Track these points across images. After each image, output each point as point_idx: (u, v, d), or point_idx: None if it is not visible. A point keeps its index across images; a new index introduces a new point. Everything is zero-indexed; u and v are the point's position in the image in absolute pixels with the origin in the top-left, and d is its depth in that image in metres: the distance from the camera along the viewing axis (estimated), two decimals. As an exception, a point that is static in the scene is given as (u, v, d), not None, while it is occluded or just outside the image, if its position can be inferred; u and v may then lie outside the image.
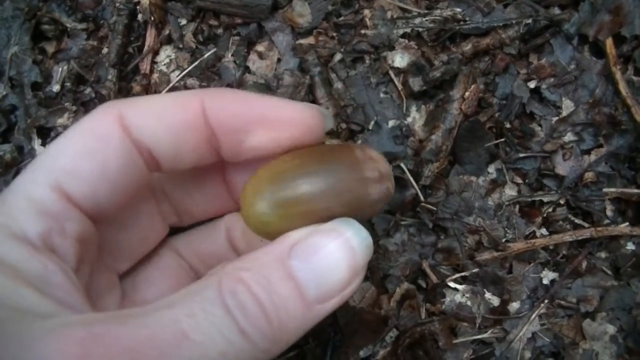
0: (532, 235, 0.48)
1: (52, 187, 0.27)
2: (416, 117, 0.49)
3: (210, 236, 0.38)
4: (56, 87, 0.50)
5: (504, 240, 0.48)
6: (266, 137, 0.30)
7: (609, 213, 0.48)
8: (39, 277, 0.25)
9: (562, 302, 0.47)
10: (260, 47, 0.49)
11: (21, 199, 0.27)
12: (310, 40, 0.49)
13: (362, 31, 0.49)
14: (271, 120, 0.30)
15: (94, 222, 0.29)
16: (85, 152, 0.28)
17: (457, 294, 0.48)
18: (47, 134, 0.50)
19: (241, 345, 0.23)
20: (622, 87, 0.47)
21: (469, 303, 0.48)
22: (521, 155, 0.48)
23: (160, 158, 0.30)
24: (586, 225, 0.48)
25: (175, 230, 0.38)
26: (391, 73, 0.49)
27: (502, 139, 0.48)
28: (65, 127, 0.49)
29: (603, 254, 0.48)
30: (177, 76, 0.49)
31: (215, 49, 0.49)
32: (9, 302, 0.23)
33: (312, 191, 0.28)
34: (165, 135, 0.29)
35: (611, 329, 0.47)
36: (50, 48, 0.51)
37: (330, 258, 0.26)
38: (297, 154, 0.30)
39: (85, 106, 0.50)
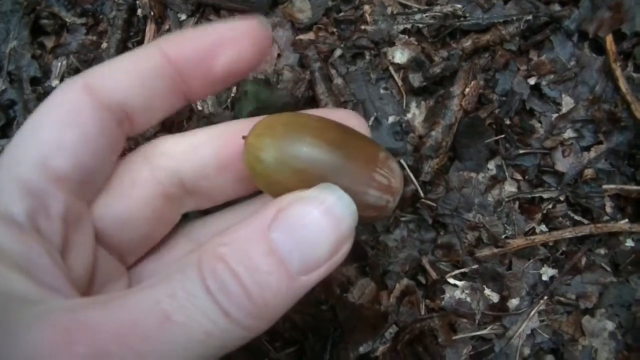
0: (532, 231, 0.48)
1: (36, 164, 0.27)
2: (416, 113, 0.49)
3: (230, 220, 0.36)
4: (55, 82, 0.50)
5: (503, 236, 0.47)
6: (231, 55, 0.30)
7: (608, 210, 0.48)
8: (24, 259, 0.25)
9: (562, 299, 0.48)
10: (260, 43, 0.49)
11: (4, 178, 0.26)
12: (310, 35, 0.49)
13: (362, 27, 0.49)
14: (230, 38, 0.30)
15: (83, 200, 0.29)
16: (66, 124, 0.28)
17: (457, 290, 0.48)
18: (45, 129, 0.50)
19: (225, 325, 0.22)
20: (622, 84, 0.47)
21: (468, 299, 0.48)
22: (521, 151, 0.48)
23: (133, 114, 0.30)
24: (586, 221, 0.48)
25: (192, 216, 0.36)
26: (391, 69, 0.48)
27: (502, 136, 0.48)
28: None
29: (602, 251, 0.48)
30: (176, 71, 0.49)
31: (215, 44, 0.49)
32: None
33: (319, 158, 0.27)
34: (135, 88, 0.29)
35: (610, 326, 0.47)
36: (49, 43, 0.51)
37: (313, 228, 0.24)
38: (324, 120, 0.29)
39: (85, 101, 0.50)
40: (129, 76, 0.29)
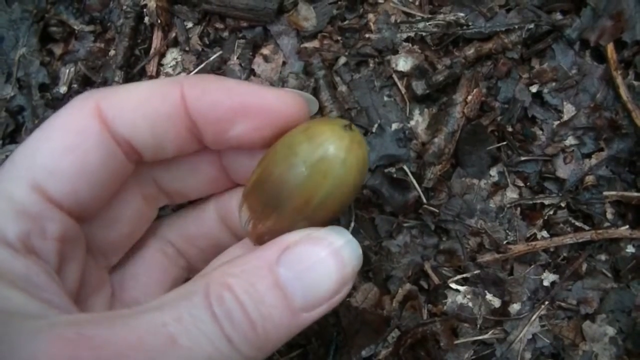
0: (533, 237, 0.49)
1: (31, 187, 0.26)
2: (419, 120, 0.49)
3: (199, 217, 0.36)
4: (63, 89, 0.51)
5: (505, 242, 0.48)
6: (249, 127, 0.29)
7: (609, 216, 0.48)
8: (23, 278, 0.25)
9: (563, 304, 0.48)
10: (265, 50, 0.50)
11: (0, 199, 0.26)
12: (315, 43, 0.50)
13: (367, 35, 0.49)
14: (253, 109, 0.29)
15: (77, 220, 0.29)
16: (64, 148, 0.27)
17: (459, 295, 0.48)
18: (54, 135, 0.50)
19: (227, 351, 0.23)
20: (623, 92, 0.48)
21: (470, 304, 0.48)
22: (523, 158, 0.49)
23: (141, 149, 0.29)
24: (587, 228, 0.48)
25: (160, 214, 0.37)
26: (395, 77, 0.49)
27: (504, 143, 0.49)
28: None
29: (603, 257, 0.49)
30: (183, 78, 0.50)
31: (220, 52, 0.50)
32: None
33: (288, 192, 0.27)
34: (145, 126, 0.28)
35: (611, 331, 0.48)
36: (57, 50, 0.52)
37: (319, 268, 0.25)
38: (275, 148, 0.29)
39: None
40: (141, 111, 0.28)
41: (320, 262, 0.25)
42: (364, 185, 0.47)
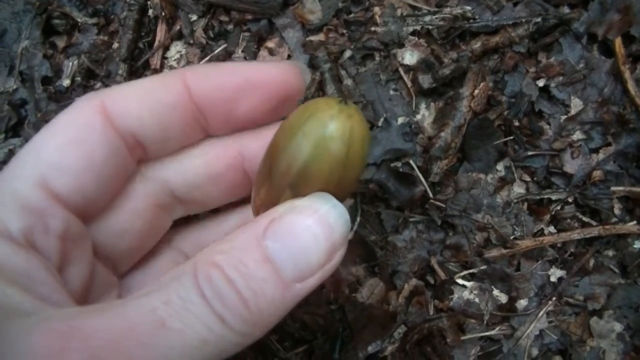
0: (540, 232, 0.48)
1: (36, 183, 0.27)
2: (425, 114, 0.49)
3: (219, 228, 0.36)
4: (66, 82, 0.50)
5: (512, 237, 0.48)
6: (254, 102, 0.29)
7: (616, 211, 0.48)
8: (22, 274, 0.25)
9: (570, 300, 0.48)
10: (270, 44, 0.50)
11: (5, 193, 0.26)
12: (320, 37, 0.49)
13: (372, 28, 0.49)
14: (256, 83, 0.29)
15: (82, 219, 0.29)
16: (69, 144, 0.27)
17: (465, 290, 0.48)
18: (57, 128, 0.50)
19: (221, 331, 0.22)
20: (631, 86, 0.48)
21: (476, 300, 0.48)
22: (530, 153, 0.48)
23: (147, 142, 0.30)
24: (594, 223, 0.48)
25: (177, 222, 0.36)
26: (401, 70, 0.49)
27: (511, 137, 0.48)
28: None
29: (611, 252, 0.48)
30: (187, 71, 0.49)
31: (225, 45, 0.50)
32: None
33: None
34: (151, 117, 0.29)
35: (618, 327, 0.47)
36: (60, 42, 0.51)
37: (306, 236, 0.24)
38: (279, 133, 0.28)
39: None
40: (146, 104, 0.29)
41: (306, 230, 0.24)
42: (370, 179, 0.47)
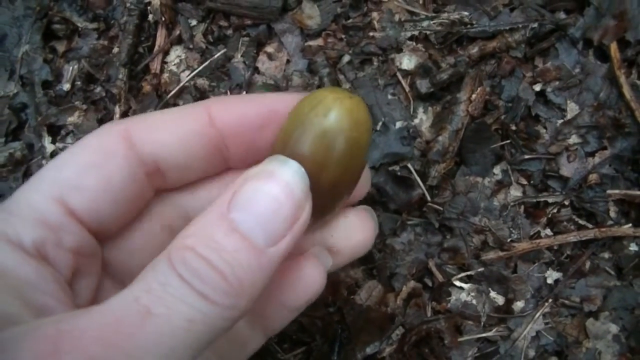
0: (537, 235, 0.49)
1: (54, 199, 0.27)
2: (423, 119, 0.49)
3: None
4: (67, 86, 0.50)
5: (509, 240, 0.48)
6: (276, 128, 0.30)
7: (612, 214, 0.49)
8: (27, 283, 0.25)
9: (566, 302, 0.48)
10: (269, 48, 0.50)
11: (23, 206, 0.27)
12: (319, 41, 0.50)
13: (371, 33, 0.49)
14: (278, 113, 0.30)
15: (96, 237, 0.30)
16: (90, 166, 0.28)
17: (463, 292, 0.48)
18: (57, 132, 0.50)
19: (205, 308, 0.23)
20: (626, 91, 0.48)
21: (474, 302, 0.48)
22: (526, 156, 0.49)
23: (168, 171, 0.30)
24: (590, 226, 0.49)
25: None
26: (399, 75, 0.49)
27: (508, 141, 0.49)
28: (75, 125, 0.50)
29: (606, 255, 0.49)
30: (187, 76, 0.50)
31: (225, 50, 0.50)
32: None
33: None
34: (174, 146, 0.29)
35: (614, 328, 0.48)
36: (61, 47, 0.52)
37: (267, 200, 0.25)
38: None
39: (96, 105, 0.50)
40: (171, 132, 0.29)
41: (267, 194, 0.25)
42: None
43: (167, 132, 0.29)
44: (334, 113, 0.27)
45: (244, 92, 0.49)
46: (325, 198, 0.29)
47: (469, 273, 0.48)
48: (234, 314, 0.24)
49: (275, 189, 0.25)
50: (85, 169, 0.28)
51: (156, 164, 0.30)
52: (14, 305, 0.24)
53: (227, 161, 0.32)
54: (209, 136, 0.30)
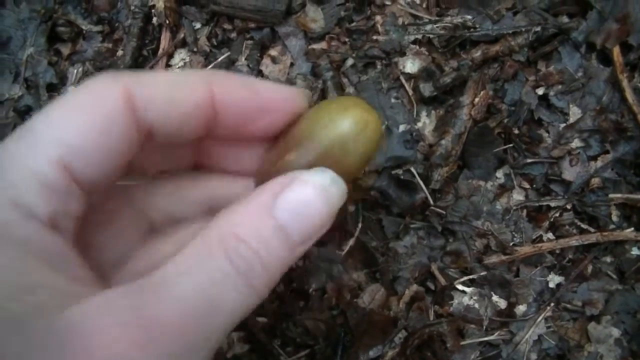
0: (539, 239, 0.49)
1: (57, 163, 0.26)
2: (426, 122, 0.50)
3: (176, 187, 0.36)
4: (71, 88, 0.51)
5: (511, 244, 0.48)
6: (267, 122, 0.31)
7: (614, 218, 0.49)
8: (53, 254, 0.25)
9: (568, 306, 0.48)
10: (273, 52, 0.50)
11: (24, 171, 0.26)
12: (322, 45, 0.50)
13: (374, 37, 0.50)
14: (276, 106, 0.31)
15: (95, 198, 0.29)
16: (92, 129, 0.27)
17: (465, 296, 0.48)
18: (61, 135, 0.50)
19: (251, 297, 0.26)
20: (629, 95, 0.48)
21: (476, 305, 0.48)
22: (529, 160, 0.49)
23: (158, 136, 0.30)
24: (592, 230, 0.49)
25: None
26: (402, 78, 0.49)
27: (511, 145, 0.49)
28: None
29: (608, 259, 0.49)
30: (191, 79, 0.50)
31: (229, 53, 0.50)
32: (25, 285, 0.23)
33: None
34: (172, 117, 0.29)
35: (616, 332, 0.48)
36: (65, 50, 0.52)
37: (311, 207, 0.28)
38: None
39: (100, 108, 0.51)
40: (172, 104, 0.29)
41: (312, 202, 0.28)
42: (372, 186, 0.47)
43: (167, 103, 0.29)
44: (357, 122, 0.30)
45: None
46: None
47: (471, 277, 0.48)
48: (259, 302, 0.27)
49: (320, 201, 0.28)
50: (88, 132, 0.26)
51: (150, 131, 0.29)
52: (54, 278, 0.24)
53: (212, 132, 0.32)
54: (206, 111, 0.30)
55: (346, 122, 0.31)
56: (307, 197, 0.28)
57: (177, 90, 0.29)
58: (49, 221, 0.26)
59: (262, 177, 0.33)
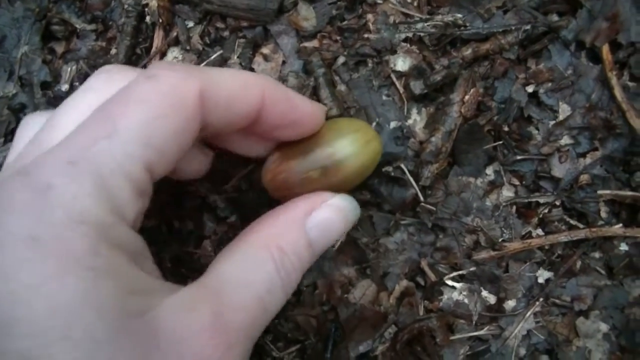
0: (528, 235, 0.49)
1: (145, 166, 0.26)
2: (417, 119, 0.50)
3: None
4: (65, 87, 0.51)
5: (500, 240, 0.49)
6: (293, 132, 0.36)
7: (603, 214, 0.49)
8: (137, 254, 0.27)
9: (557, 301, 0.49)
10: (265, 50, 0.51)
11: (119, 175, 0.25)
12: (314, 43, 0.50)
13: (365, 35, 0.50)
14: (306, 122, 0.36)
15: None
16: (174, 130, 0.27)
17: (455, 291, 0.49)
18: (56, 132, 0.51)
19: (282, 302, 0.30)
20: (618, 92, 0.49)
21: (466, 301, 0.49)
22: (518, 157, 0.50)
23: (207, 130, 0.31)
24: (581, 226, 0.49)
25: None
26: (393, 76, 0.50)
27: (500, 142, 0.50)
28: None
29: (597, 254, 0.50)
30: (184, 77, 0.50)
31: (221, 51, 0.51)
32: (126, 287, 0.24)
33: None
34: (230, 116, 0.31)
35: (604, 327, 0.48)
36: (59, 48, 0.52)
37: (334, 229, 0.34)
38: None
39: (94, 105, 0.51)
40: (233, 106, 0.31)
41: (335, 225, 0.34)
42: (363, 183, 0.48)
43: (233, 103, 0.31)
44: (374, 142, 0.41)
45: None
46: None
47: (461, 272, 0.49)
48: None
49: (341, 223, 0.35)
50: (171, 133, 0.27)
51: (205, 127, 0.31)
52: (142, 276, 0.26)
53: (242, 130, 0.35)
54: (255, 115, 0.33)
55: (354, 137, 0.40)
56: (332, 219, 0.34)
57: (241, 92, 0.31)
58: (133, 222, 0.27)
59: (275, 174, 0.40)
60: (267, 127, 0.35)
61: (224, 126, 0.32)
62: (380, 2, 0.51)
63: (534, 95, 0.50)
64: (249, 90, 0.31)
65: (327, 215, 0.34)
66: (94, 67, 0.51)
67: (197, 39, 0.51)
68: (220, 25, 0.51)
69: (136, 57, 0.51)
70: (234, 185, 0.47)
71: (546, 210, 0.49)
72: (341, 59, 0.50)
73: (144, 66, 0.51)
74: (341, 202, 0.35)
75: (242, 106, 0.31)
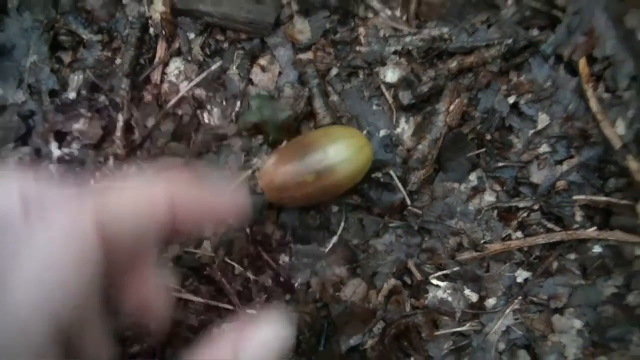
0: (508, 237, 0.52)
1: (40, 309, 0.24)
2: (405, 128, 0.53)
3: None
4: (72, 95, 0.54)
5: (482, 241, 0.52)
6: (212, 222, 0.35)
7: (578, 218, 0.52)
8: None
9: (534, 299, 0.52)
10: (262, 61, 0.54)
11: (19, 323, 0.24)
12: (309, 55, 0.53)
13: (357, 48, 0.53)
14: (224, 215, 0.33)
15: None
16: (74, 264, 0.26)
17: (439, 290, 0.52)
18: (63, 138, 0.53)
19: None
20: (593, 104, 0.52)
21: (449, 299, 0.52)
22: (500, 164, 0.53)
23: (112, 253, 0.28)
24: (557, 229, 0.52)
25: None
26: (383, 87, 0.53)
27: (483, 150, 0.53)
28: (80, 132, 0.53)
29: (572, 256, 0.53)
30: (185, 86, 0.53)
31: (221, 62, 0.53)
32: None
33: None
34: (135, 233, 0.29)
35: (578, 324, 0.52)
36: (66, 58, 0.55)
37: (269, 348, 0.29)
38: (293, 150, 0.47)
39: (100, 113, 0.53)
40: (133, 221, 0.28)
41: (270, 344, 0.29)
42: (353, 188, 0.51)
43: (134, 221, 0.28)
44: (366, 149, 0.46)
45: (239, 102, 0.53)
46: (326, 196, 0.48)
47: (445, 272, 0.52)
48: None
49: (277, 342, 0.29)
50: (70, 268, 0.25)
51: (108, 249, 0.28)
52: None
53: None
54: (165, 225, 0.30)
55: (347, 143, 0.45)
56: (265, 341, 0.28)
57: (145, 209, 0.29)
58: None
59: (273, 177, 0.45)
60: (189, 225, 0.31)
61: (137, 242, 0.29)
62: (371, 16, 0.54)
63: (515, 106, 0.53)
64: (155, 206, 0.29)
65: (260, 336, 0.29)
66: (100, 76, 0.54)
67: (198, 50, 0.54)
68: (220, 37, 0.54)
69: (140, 67, 0.54)
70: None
71: (525, 214, 0.53)
72: (334, 71, 0.53)
73: (148, 76, 0.54)
74: (274, 321, 0.30)
75: (149, 222, 0.29)
